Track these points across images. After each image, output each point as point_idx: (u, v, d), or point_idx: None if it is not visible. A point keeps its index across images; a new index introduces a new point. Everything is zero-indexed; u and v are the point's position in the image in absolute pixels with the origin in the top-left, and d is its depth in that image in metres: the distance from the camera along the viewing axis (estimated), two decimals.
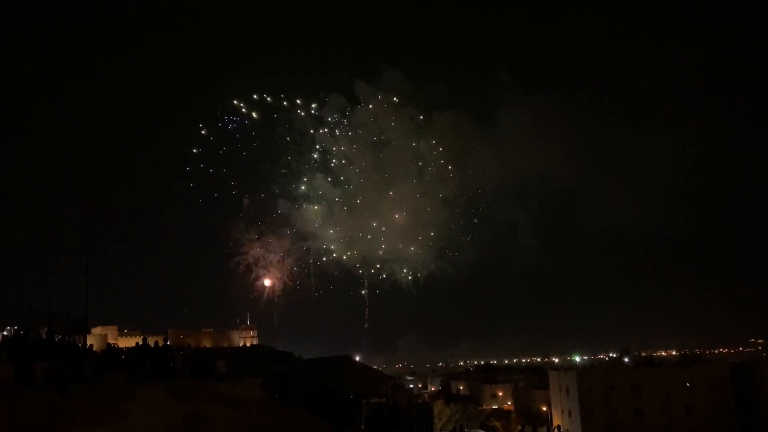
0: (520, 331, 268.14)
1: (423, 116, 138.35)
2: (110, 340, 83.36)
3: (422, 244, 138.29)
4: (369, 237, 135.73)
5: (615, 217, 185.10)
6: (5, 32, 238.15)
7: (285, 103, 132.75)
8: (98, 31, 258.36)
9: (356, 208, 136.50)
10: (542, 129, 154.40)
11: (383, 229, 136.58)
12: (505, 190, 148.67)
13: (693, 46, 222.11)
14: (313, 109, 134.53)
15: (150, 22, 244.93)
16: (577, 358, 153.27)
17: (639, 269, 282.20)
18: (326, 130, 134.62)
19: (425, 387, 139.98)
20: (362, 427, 27.93)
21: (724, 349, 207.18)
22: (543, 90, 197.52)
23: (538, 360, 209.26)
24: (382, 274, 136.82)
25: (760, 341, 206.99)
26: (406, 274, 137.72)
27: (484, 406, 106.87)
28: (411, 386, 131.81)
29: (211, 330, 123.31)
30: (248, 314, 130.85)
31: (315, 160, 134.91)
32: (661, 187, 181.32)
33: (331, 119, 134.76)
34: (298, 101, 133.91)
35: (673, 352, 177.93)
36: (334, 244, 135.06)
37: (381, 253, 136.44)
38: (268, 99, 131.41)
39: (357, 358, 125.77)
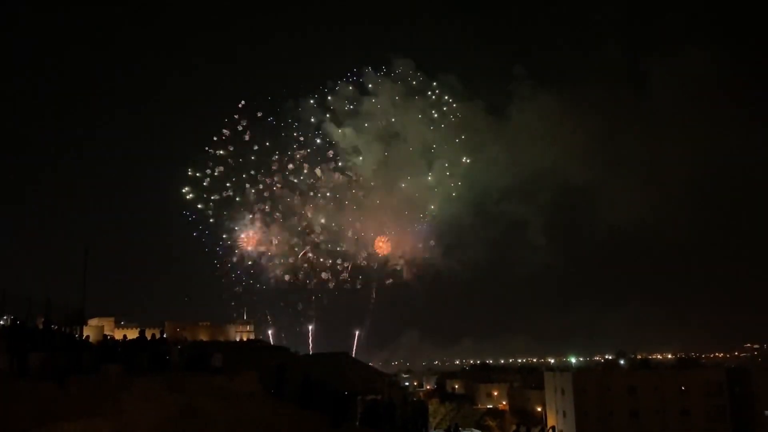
0: (524, 331, 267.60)
1: (434, 108, 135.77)
2: (107, 332, 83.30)
3: (429, 239, 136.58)
4: (375, 231, 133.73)
5: (626, 217, 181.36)
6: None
7: (290, 90, 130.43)
8: (99, 31, 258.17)
9: (363, 202, 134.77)
10: (556, 125, 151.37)
11: (390, 223, 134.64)
12: (515, 186, 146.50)
13: (710, 42, 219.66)
14: (319, 97, 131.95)
15: (154, 16, 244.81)
16: (573, 360, 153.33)
17: (640, 271, 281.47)
18: (333, 120, 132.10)
19: (421, 385, 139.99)
20: (357, 423, 27.93)
21: (720, 353, 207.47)
22: (558, 85, 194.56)
23: (534, 360, 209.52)
24: (387, 270, 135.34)
25: (756, 346, 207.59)
26: (411, 270, 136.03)
27: (479, 406, 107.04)
28: (407, 384, 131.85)
29: (208, 323, 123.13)
30: (245, 308, 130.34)
31: (321, 151, 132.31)
32: (674, 188, 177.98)
33: (338, 109, 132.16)
34: (304, 90, 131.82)
35: (669, 356, 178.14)
36: (339, 238, 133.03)
37: (387, 247, 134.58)
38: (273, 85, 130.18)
39: (356, 355, 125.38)
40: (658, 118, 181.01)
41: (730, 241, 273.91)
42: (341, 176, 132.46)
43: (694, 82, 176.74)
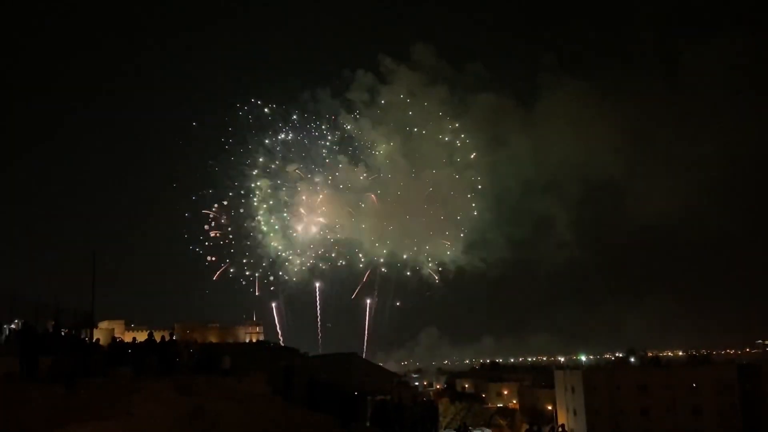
0: (546, 329, 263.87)
1: (457, 98, 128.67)
2: (117, 335, 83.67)
3: (452, 237, 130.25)
4: (395, 227, 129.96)
5: (655, 213, 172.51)
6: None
7: (304, 80, 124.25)
8: (100, 28, 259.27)
9: (382, 197, 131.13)
10: (585, 117, 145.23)
11: (410, 219, 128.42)
12: (541, 181, 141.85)
13: (745, 33, 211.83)
14: (335, 87, 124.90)
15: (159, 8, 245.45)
16: (583, 358, 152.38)
17: (660, 268, 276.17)
18: (349, 111, 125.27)
19: (431, 385, 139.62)
20: (367, 423, 27.96)
21: (731, 350, 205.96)
22: (587, 75, 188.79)
23: (544, 359, 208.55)
24: (407, 267, 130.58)
25: None
26: (432, 267, 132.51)
27: (489, 405, 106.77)
28: (416, 384, 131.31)
29: (217, 325, 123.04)
30: (254, 310, 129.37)
31: (337, 143, 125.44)
32: (705, 183, 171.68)
33: (355, 99, 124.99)
34: (320, 80, 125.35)
35: (680, 353, 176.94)
36: (358, 235, 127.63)
37: (408, 244, 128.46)
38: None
39: (370, 354, 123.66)
40: (690, 111, 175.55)
41: (747, 237, 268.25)
42: (358, 170, 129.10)
43: (729, 74, 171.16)
